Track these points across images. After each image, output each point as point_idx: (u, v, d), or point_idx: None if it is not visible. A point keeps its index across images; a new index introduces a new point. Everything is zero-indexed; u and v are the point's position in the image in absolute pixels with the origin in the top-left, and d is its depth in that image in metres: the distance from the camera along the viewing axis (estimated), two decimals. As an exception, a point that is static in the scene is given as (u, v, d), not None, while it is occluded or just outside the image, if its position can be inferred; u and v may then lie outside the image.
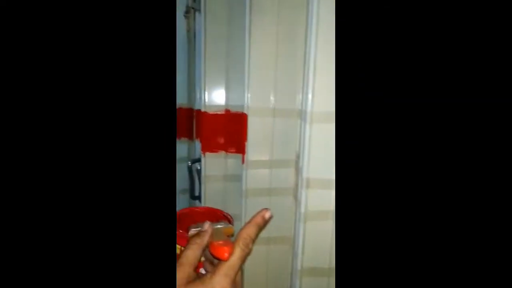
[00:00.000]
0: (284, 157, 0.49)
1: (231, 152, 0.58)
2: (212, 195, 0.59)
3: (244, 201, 0.49)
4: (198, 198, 0.74)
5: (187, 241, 0.28)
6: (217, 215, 0.36)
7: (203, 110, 0.57)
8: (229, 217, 0.36)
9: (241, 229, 0.28)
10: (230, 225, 0.30)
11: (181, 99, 0.74)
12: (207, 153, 0.59)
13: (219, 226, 0.29)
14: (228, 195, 0.59)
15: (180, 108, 0.74)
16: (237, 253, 0.26)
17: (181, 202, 0.80)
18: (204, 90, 0.56)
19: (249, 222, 0.28)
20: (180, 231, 0.31)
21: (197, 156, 0.76)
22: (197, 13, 0.72)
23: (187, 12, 0.74)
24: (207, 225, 0.28)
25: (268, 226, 0.49)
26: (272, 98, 0.47)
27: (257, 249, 0.50)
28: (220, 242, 0.27)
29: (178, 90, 0.73)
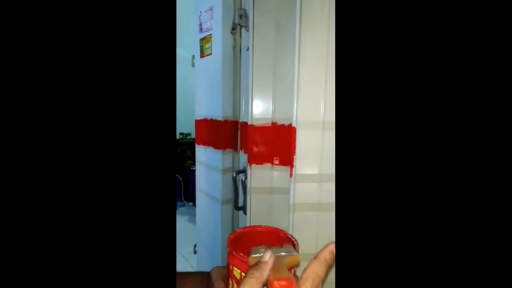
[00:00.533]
0: (334, 171, 0.47)
1: (276, 165, 0.58)
2: (257, 207, 0.60)
3: (292, 216, 0.48)
4: (242, 208, 0.75)
5: (247, 270, 0.24)
6: (280, 237, 0.32)
7: (249, 123, 0.58)
8: (293, 239, 0.31)
9: (308, 267, 0.24)
10: (295, 253, 0.27)
11: (227, 112, 0.77)
12: (253, 165, 0.59)
13: (282, 253, 0.26)
14: (273, 208, 0.59)
15: (226, 121, 0.77)
16: None
17: (226, 211, 0.81)
18: (252, 103, 0.57)
19: (316, 258, 0.25)
20: (240, 253, 0.27)
21: (241, 167, 0.77)
22: (243, 30, 0.74)
23: (233, 28, 0.77)
24: (268, 256, 0.24)
25: (316, 243, 0.48)
26: (321, 111, 0.47)
27: (304, 265, 0.49)
28: (282, 283, 0.22)
29: (224, 103, 0.76)
